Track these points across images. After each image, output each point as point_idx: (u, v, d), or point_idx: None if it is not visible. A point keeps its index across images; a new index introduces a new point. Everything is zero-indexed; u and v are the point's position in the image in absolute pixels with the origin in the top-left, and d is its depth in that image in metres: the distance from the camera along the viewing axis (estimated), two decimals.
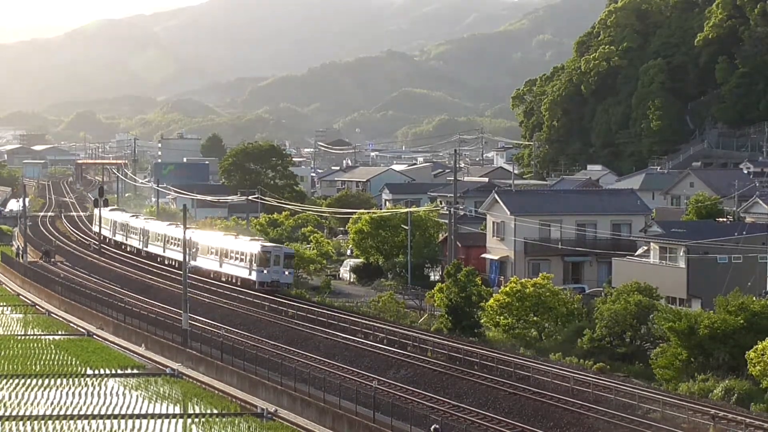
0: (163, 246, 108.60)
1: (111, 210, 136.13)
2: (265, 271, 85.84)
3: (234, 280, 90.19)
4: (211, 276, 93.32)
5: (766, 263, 74.71)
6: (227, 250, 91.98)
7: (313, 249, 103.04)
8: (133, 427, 50.01)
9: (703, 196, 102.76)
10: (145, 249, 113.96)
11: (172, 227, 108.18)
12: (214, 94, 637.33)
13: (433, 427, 43.85)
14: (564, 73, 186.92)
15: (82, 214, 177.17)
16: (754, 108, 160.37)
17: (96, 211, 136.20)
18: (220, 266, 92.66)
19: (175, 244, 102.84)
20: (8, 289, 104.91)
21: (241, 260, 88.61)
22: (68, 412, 52.37)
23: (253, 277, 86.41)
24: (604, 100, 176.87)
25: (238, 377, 57.36)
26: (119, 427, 49.95)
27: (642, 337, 63.90)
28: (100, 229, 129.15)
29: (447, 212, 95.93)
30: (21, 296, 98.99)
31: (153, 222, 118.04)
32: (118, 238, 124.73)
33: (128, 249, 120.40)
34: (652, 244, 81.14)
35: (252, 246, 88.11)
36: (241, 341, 65.93)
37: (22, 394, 56.74)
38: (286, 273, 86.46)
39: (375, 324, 69.42)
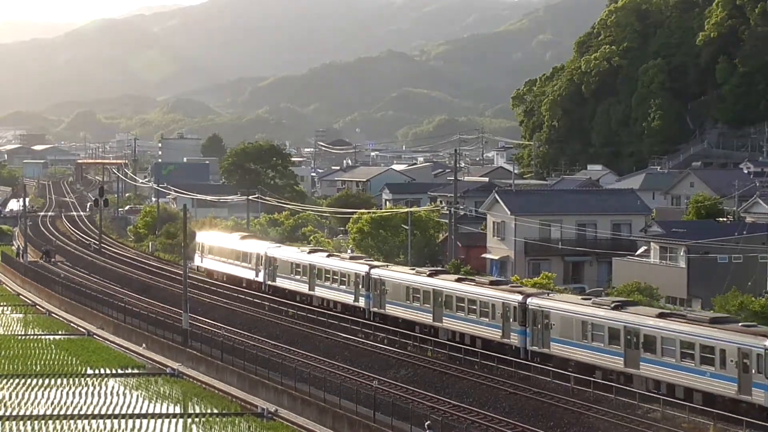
0: (434, 308, 64.15)
1: (243, 237, 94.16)
2: None
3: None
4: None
5: (766, 263, 74.77)
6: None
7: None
8: (133, 427, 50.00)
9: (703, 196, 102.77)
10: (377, 309, 69.85)
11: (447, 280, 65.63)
12: (214, 94, 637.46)
13: (426, 423, 44.02)
14: (564, 73, 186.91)
15: (82, 213, 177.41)
16: (754, 108, 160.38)
17: (200, 237, 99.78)
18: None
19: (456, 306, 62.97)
20: (8, 288, 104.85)
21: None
22: (68, 412, 52.36)
23: None
24: (604, 100, 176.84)
25: (239, 377, 57.36)
26: (119, 427, 49.94)
27: None
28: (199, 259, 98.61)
29: (447, 212, 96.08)
30: (21, 296, 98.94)
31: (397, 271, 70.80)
32: (287, 283, 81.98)
33: (331, 304, 76.41)
34: (652, 244, 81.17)
35: None
36: (241, 341, 65.92)
37: (22, 394, 56.72)
38: None
39: (375, 324, 69.39)
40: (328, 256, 79.31)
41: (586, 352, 53.52)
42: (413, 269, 70.88)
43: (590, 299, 56.91)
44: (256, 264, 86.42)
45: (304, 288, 78.88)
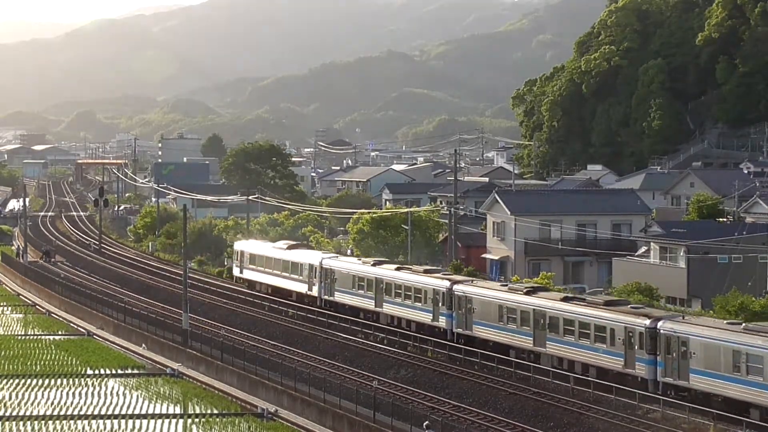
0: (534, 331, 57.63)
1: (291, 246, 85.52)
2: None
3: None
4: None
5: (766, 263, 74.74)
6: None
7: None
8: (133, 427, 49.99)
9: (703, 196, 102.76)
10: (461, 331, 62.79)
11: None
12: (214, 94, 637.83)
13: (424, 423, 44.04)
14: (564, 73, 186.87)
15: (82, 214, 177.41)
16: (754, 108, 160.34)
17: (239, 246, 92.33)
18: None
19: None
20: (8, 289, 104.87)
21: None
22: (68, 412, 52.35)
23: None
24: (604, 100, 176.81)
25: (239, 377, 57.36)
26: (119, 427, 49.94)
27: None
28: (236, 268, 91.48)
29: (447, 212, 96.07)
30: (21, 296, 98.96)
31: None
32: (348, 298, 74.19)
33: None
34: (652, 244, 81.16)
35: None
36: (241, 341, 65.94)
37: (22, 394, 56.72)
38: None
39: (375, 324, 69.37)
40: (398, 268, 70.94)
41: (739, 387, 46.04)
42: (505, 285, 64.27)
43: (741, 324, 49.10)
44: (309, 276, 78.52)
45: (369, 304, 71.02)
